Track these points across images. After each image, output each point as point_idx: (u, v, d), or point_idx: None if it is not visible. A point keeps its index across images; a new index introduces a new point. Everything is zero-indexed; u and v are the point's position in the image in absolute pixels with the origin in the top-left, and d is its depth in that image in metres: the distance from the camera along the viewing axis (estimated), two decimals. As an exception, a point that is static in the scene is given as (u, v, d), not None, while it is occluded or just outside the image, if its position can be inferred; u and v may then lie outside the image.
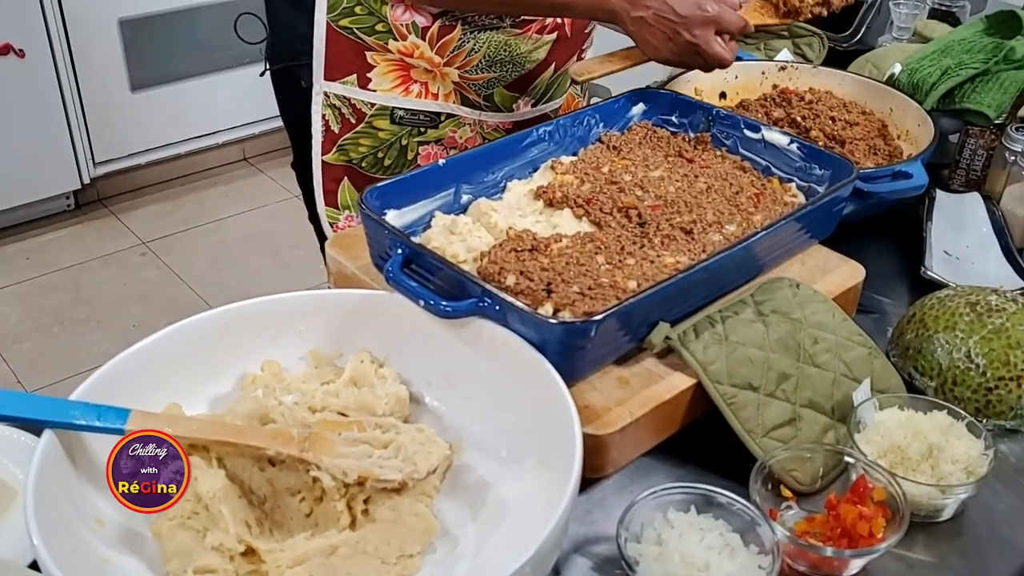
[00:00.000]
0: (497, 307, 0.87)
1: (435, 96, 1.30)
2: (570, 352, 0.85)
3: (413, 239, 0.96)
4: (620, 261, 0.97)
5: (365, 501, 0.81)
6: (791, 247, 1.06)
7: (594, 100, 1.58)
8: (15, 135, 2.89)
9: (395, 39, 1.26)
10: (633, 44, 1.21)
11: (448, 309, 0.88)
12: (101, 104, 3.05)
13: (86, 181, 3.12)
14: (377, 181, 1.01)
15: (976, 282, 1.07)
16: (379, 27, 1.26)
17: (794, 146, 1.14)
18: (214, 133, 3.34)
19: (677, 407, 0.92)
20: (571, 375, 0.85)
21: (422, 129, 1.32)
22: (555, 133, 1.17)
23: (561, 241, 1.00)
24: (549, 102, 1.40)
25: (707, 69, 1.20)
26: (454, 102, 1.32)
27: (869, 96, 1.34)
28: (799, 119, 1.29)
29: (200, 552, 0.75)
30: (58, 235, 3.12)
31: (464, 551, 0.80)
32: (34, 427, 0.81)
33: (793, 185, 1.13)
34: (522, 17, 1.27)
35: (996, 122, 1.31)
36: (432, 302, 0.88)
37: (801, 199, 1.10)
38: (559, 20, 1.31)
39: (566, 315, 0.88)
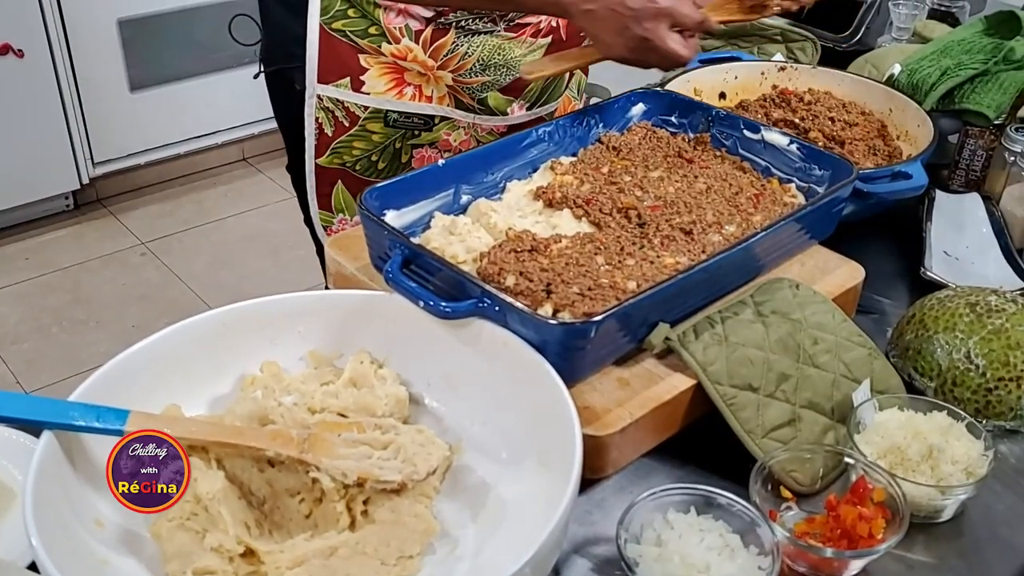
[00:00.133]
0: (497, 308, 0.87)
1: (429, 99, 1.30)
2: (570, 353, 0.85)
3: (412, 240, 0.96)
4: (620, 262, 0.97)
5: (365, 502, 0.81)
6: (791, 248, 1.06)
7: (593, 100, 1.58)
8: (14, 135, 2.89)
9: (388, 42, 1.26)
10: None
11: (448, 310, 0.88)
12: (100, 104, 3.05)
13: (85, 181, 3.12)
14: (371, 184, 1.00)
15: (976, 283, 1.07)
16: (372, 30, 1.25)
17: (794, 147, 1.14)
18: (213, 133, 3.34)
19: (677, 408, 0.92)
20: (571, 376, 0.85)
21: (416, 132, 1.31)
22: (554, 133, 1.17)
23: (561, 242, 1.00)
24: (544, 106, 1.39)
25: (665, 67, 1.15)
26: (448, 105, 1.31)
27: (868, 96, 1.34)
28: (798, 120, 1.29)
29: (199, 553, 0.75)
30: (57, 235, 3.12)
31: (464, 552, 0.80)
32: (33, 428, 0.81)
33: (793, 186, 1.13)
34: (515, 21, 1.27)
35: (995, 122, 1.31)
36: (431, 303, 0.88)
37: (801, 200, 1.10)
38: (553, 23, 1.31)
39: (566, 316, 0.88)
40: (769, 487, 0.85)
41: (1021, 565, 0.85)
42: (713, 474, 0.89)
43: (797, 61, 1.61)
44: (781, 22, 1.74)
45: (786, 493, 0.86)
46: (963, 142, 1.34)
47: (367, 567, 0.77)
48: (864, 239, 1.16)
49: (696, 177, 1.13)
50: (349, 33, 1.26)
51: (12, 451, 0.89)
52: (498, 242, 0.99)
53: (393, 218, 1.02)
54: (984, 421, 0.95)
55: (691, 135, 1.22)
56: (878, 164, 1.24)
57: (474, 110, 1.32)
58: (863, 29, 1.85)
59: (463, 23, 1.25)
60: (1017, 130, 1.27)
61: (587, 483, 0.88)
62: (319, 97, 1.29)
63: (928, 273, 1.16)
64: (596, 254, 0.98)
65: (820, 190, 1.10)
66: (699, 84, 1.35)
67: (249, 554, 0.77)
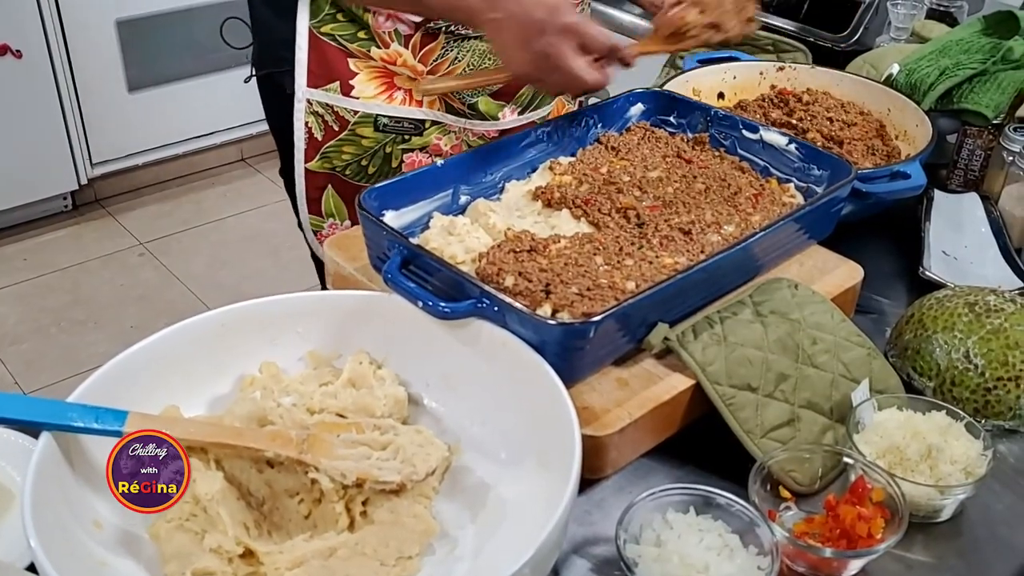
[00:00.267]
0: (496, 308, 0.87)
1: (419, 104, 1.28)
2: (569, 353, 0.85)
3: (411, 240, 0.96)
4: (619, 262, 0.97)
5: (364, 503, 0.81)
6: (790, 248, 1.06)
7: (592, 100, 1.58)
8: (12, 136, 2.89)
9: (378, 46, 1.25)
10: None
11: (446, 310, 0.88)
12: (98, 105, 3.05)
13: (83, 182, 3.12)
14: (361, 189, 1.00)
15: (974, 282, 1.07)
16: (361, 34, 1.25)
17: (792, 146, 1.14)
18: (212, 133, 3.34)
19: (676, 408, 0.92)
20: (570, 376, 0.85)
21: (406, 137, 1.30)
22: (553, 134, 1.17)
23: (559, 242, 1.00)
24: (536, 110, 1.38)
25: (570, 91, 1.08)
26: (438, 110, 1.30)
27: (867, 96, 1.34)
28: (796, 120, 1.29)
29: (198, 554, 0.75)
30: (56, 236, 3.12)
31: (463, 552, 0.80)
32: (32, 429, 0.81)
33: (791, 185, 1.13)
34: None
35: (994, 122, 1.31)
36: (430, 303, 0.88)
37: (799, 199, 1.10)
38: None
39: (565, 316, 0.88)
40: (768, 487, 0.85)
41: (1020, 565, 0.85)
42: (712, 474, 0.89)
43: None
44: (779, 21, 1.74)
45: (785, 493, 0.86)
46: (961, 142, 1.34)
47: (366, 568, 0.77)
48: (863, 239, 1.16)
49: (695, 177, 1.13)
50: (338, 37, 1.25)
51: (10, 452, 0.89)
52: (497, 242, 0.99)
53: (392, 218, 1.02)
54: (983, 421, 0.95)
55: (690, 135, 1.22)
56: (877, 164, 1.24)
57: (465, 115, 1.32)
58: (861, 29, 1.85)
59: (452, 28, 1.24)
60: (1015, 130, 1.27)
61: (586, 483, 0.88)
62: (308, 101, 1.28)
63: (927, 273, 1.16)
64: (595, 254, 0.98)
65: (819, 190, 1.10)
66: (698, 84, 1.35)
67: (248, 555, 0.77)
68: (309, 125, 1.29)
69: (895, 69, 1.39)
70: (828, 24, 1.90)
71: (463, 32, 1.24)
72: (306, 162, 1.32)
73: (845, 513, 0.80)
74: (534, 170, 1.15)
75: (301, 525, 0.81)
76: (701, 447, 0.92)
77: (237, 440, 0.81)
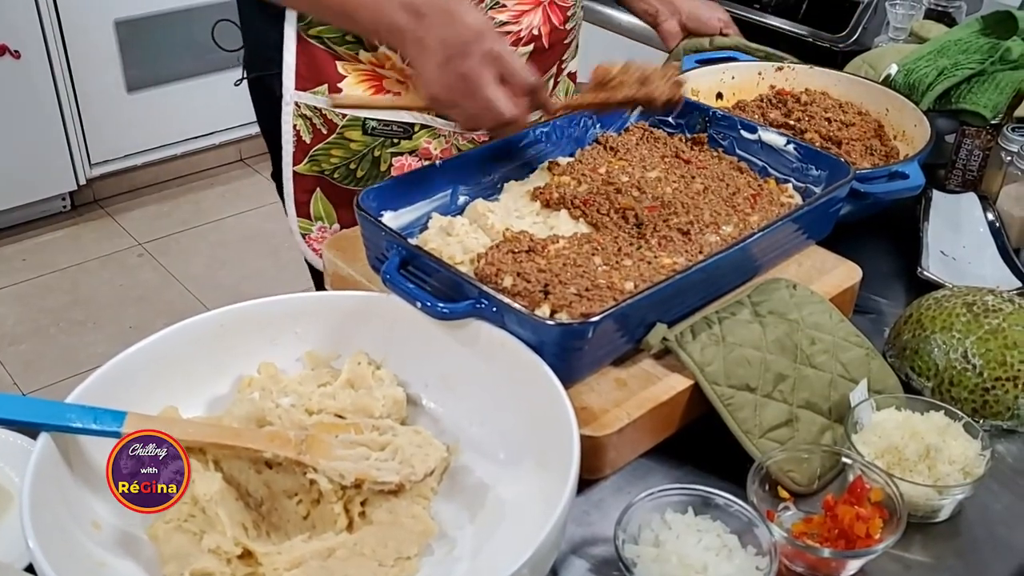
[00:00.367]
0: (494, 309, 0.87)
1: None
2: (567, 353, 0.85)
3: (410, 240, 0.96)
4: (617, 262, 0.97)
5: (362, 503, 0.81)
6: (788, 248, 1.06)
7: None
8: (11, 136, 2.89)
9: (365, 49, 1.24)
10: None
11: (445, 311, 0.88)
12: (97, 105, 3.05)
13: (82, 182, 3.12)
14: (351, 193, 0.99)
15: (973, 282, 1.07)
16: (349, 37, 1.24)
17: (791, 147, 1.14)
18: (211, 134, 3.34)
19: (675, 408, 0.92)
20: (569, 376, 0.85)
21: (395, 140, 1.29)
22: (552, 134, 1.17)
23: (558, 242, 1.00)
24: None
25: (487, 123, 1.02)
26: (428, 113, 1.28)
27: (865, 97, 1.34)
28: (794, 121, 1.29)
29: (197, 555, 0.75)
30: (55, 236, 3.12)
31: (462, 553, 0.80)
32: (30, 430, 0.81)
33: (790, 186, 1.13)
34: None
35: (992, 122, 1.31)
36: (429, 304, 0.88)
37: (798, 200, 1.10)
38: (534, 32, 1.28)
39: (563, 316, 0.88)
40: (767, 487, 0.85)
41: (1018, 564, 0.85)
42: (711, 474, 0.89)
43: None
44: (778, 21, 1.74)
45: (783, 493, 0.86)
46: (960, 142, 1.34)
47: (365, 568, 0.77)
48: (861, 239, 1.16)
49: (693, 177, 1.13)
50: (326, 39, 1.24)
51: (9, 453, 0.89)
52: (495, 243, 0.99)
53: (390, 219, 1.02)
54: (981, 421, 0.95)
55: (688, 135, 1.22)
56: (875, 164, 1.24)
57: None
58: (860, 29, 1.85)
59: None
60: (1014, 130, 1.27)
61: (585, 484, 0.88)
62: (296, 104, 1.27)
63: (925, 273, 1.16)
64: (593, 255, 0.98)
65: (817, 190, 1.10)
66: (696, 84, 1.35)
67: (247, 555, 0.77)
68: (297, 128, 1.28)
69: (893, 69, 1.39)
70: (826, 24, 1.90)
71: None
72: (294, 165, 1.30)
73: (843, 513, 0.80)
74: (533, 170, 1.15)
75: (299, 526, 0.81)
76: (699, 447, 0.92)
77: (235, 441, 0.81)
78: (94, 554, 0.74)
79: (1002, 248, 1.23)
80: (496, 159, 1.12)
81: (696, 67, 1.38)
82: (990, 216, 1.27)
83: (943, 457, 0.86)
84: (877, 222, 1.21)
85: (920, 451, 0.87)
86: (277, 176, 1.37)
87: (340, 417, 0.86)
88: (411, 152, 1.31)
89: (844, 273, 1.08)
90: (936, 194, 1.30)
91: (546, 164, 1.15)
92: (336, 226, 1.34)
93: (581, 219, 1.05)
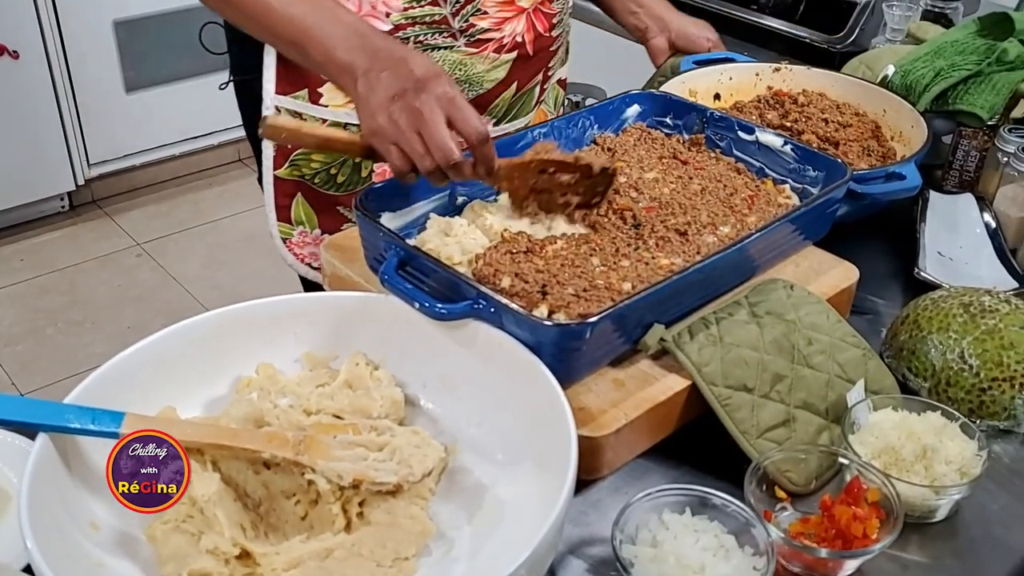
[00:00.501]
0: (492, 309, 0.87)
1: None
2: (565, 354, 0.85)
3: (408, 241, 0.96)
4: (615, 263, 0.98)
5: (360, 504, 0.81)
6: (785, 248, 1.06)
7: (589, 101, 1.57)
8: (10, 136, 2.89)
9: None
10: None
11: (443, 311, 0.88)
12: (95, 105, 3.05)
13: (80, 182, 3.12)
14: (331, 198, 0.98)
15: (969, 283, 1.08)
16: None
17: (788, 148, 1.14)
18: (209, 134, 3.34)
19: (672, 409, 0.92)
20: (566, 377, 0.85)
21: None
22: (550, 135, 1.17)
23: (556, 243, 1.00)
24: (512, 121, 1.35)
25: (427, 164, 0.96)
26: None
27: (862, 97, 1.35)
28: (792, 121, 1.30)
29: (195, 556, 0.75)
30: (53, 236, 3.12)
31: (460, 553, 0.80)
32: (28, 431, 0.81)
33: (787, 187, 1.13)
34: (476, 37, 1.23)
35: (989, 123, 1.32)
36: (427, 304, 0.88)
37: (795, 201, 1.11)
38: (518, 39, 1.26)
39: (561, 317, 0.88)
40: (764, 487, 0.86)
41: (1015, 565, 0.86)
42: (708, 475, 0.90)
43: None
44: (775, 22, 1.74)
45: (781, 493, 0.86)
46: (957, 143, 1.35)
47: (363, 569, 0.77)
48: (858, 240, 1.16)
49: (691, 178, 1.13)
50: None
51: (7, 454, 0.89)
52: (493, 243, 0.99)
53: (389, 220, 1.02)
54: (978, 421, 0.95)
55: (686, 136, 1.22)
56: (872, 165, 1.24)
57: None
58: (857, 30, 1.86)
59: (421, 37, 1.21)
60: (1010, 131, 1.27)
61: (583, 484, 0.88)
62: (277, 108, 1.25)
63: (922, 273, 1.16)
64: (591, 255, 0.98)
65: (814, 191, 1.10)
66: (694, 85, 1.35)
67: (245, 556, 0.77)
68: None
69: (890, 70, 1.39)
70: (824, 25, 1.91)
71: (433, 42, 1.22)
72: (275, 169, 1.29)
73: (840, 513, 0.81)
74: (531, 171, 1.15)
75: (298, 526, 0.81)
76: (697, 448, 0.92)
77: (233, 441, 0.81)
78: (92, 555, 0.74)
79: (999, 249, 1.24)
80: (494, 160, 1.12)
81: (694, 68, 1.38)
82: (987, 217, 1.27)
83: (940, 457, 0.87)
84: (874, 223, 1.21)
85: (917, 451, 0.87)
86: (260, 180, 1.37)
87: (338, 418, 0.86)
88: None
89: (841, 274, 1.08)
90: (933, 195, 1.30)
91: (544, 165, 1.15)
92: (317, 231, 1.33)
93: (579, 220, 1.05)
